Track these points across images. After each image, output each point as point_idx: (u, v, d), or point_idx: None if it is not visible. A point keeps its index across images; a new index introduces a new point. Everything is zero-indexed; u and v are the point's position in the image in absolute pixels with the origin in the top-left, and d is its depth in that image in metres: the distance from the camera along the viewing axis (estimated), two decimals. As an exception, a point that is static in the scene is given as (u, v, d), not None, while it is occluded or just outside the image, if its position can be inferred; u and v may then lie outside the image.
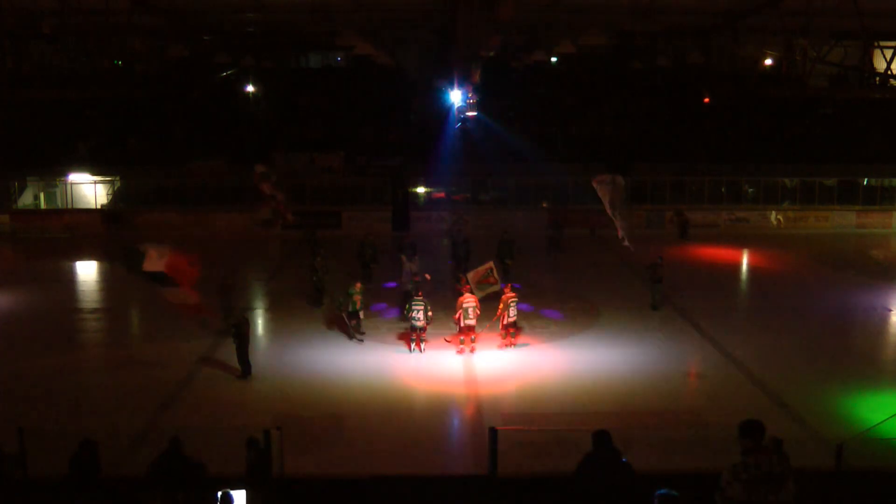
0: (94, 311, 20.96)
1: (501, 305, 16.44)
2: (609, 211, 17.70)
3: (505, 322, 16.51)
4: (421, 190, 34.08)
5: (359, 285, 17.52)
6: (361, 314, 17.42)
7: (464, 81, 29.42)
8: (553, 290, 22.10)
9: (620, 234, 17.94)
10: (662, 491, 5.99)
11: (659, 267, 19.84)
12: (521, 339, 17.20)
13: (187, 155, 33.80)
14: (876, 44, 32.35)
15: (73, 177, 33.00)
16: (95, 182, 33.20)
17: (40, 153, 33.49)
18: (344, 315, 17.32)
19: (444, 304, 19.04)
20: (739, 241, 30.10)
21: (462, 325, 16.22)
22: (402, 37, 38.54)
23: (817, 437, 12.11)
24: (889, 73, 32.18)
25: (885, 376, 15.94)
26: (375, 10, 30.54)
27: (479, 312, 16.34)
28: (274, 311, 19.96)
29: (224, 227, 31.02)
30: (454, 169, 32.85)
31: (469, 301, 16.22)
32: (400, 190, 32.00)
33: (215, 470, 8.97)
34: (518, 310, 16.73)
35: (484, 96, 33.65)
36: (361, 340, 17.19)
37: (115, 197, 33.80)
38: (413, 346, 16.42)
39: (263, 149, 34.56)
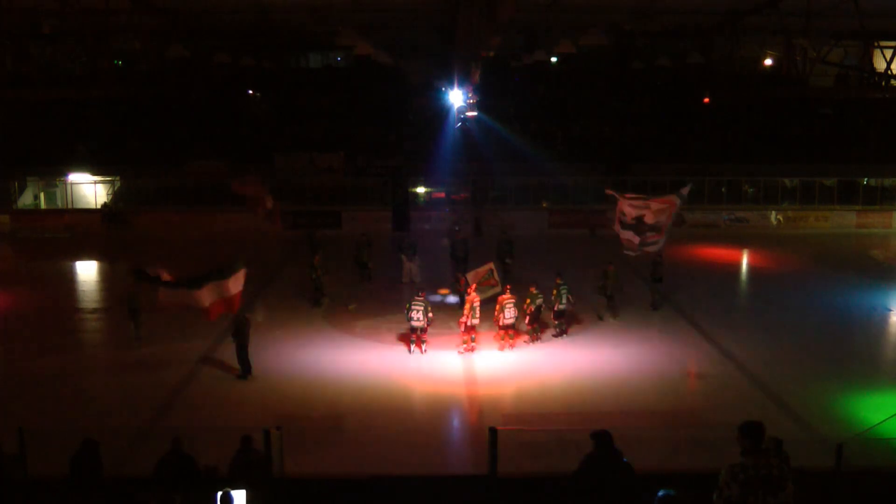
0: (94, 311, 20.96)
1: (498, 307, 16.44)
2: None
3: (502, 323, 16.51)
4: (421, 190, 34.09)
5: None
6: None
7: (464, 81, 29.40)
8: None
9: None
10: (662, 492, 5.99)
11: (659, 266, 19.83)
12: (520, 339, 17.17)
13: (187, 155, 33.80)
14: (876, 44, 32.32)
15: (73, 177, 33.03)
16: (95, 182, 33.23)
17: (40, 153, 33.49)
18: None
19: (445, 304, 19.10)
20: (739, 241, 30.11)
21: (468, 324, 16.23)
22: (402, 37, 38.52)
23: (817, 437, 12.11)
24: (889, 73, 32.14)
25: (885, 376, 15.95)
26: (375, 10, 30.49)
27: (479, 312, 16.39)
28: (274, 311, 19.95)
29: (224, 227, 31.01)
30: (454, 169, 32.88)
31: (477, 301, 16.30)
32: (400, 190, 32.02)
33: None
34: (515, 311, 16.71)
35: (484, 96, 33.64)
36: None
37: (115, 197, 33.81)
38: (413, 346, 16.41)
39: (263, 149, 34.59)
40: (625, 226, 17.43)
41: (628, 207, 17.31)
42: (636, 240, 17.24)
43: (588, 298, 19.32)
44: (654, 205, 17.07)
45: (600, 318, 18.89)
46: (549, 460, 11.09)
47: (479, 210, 31.75)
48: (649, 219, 16.93)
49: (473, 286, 16.87)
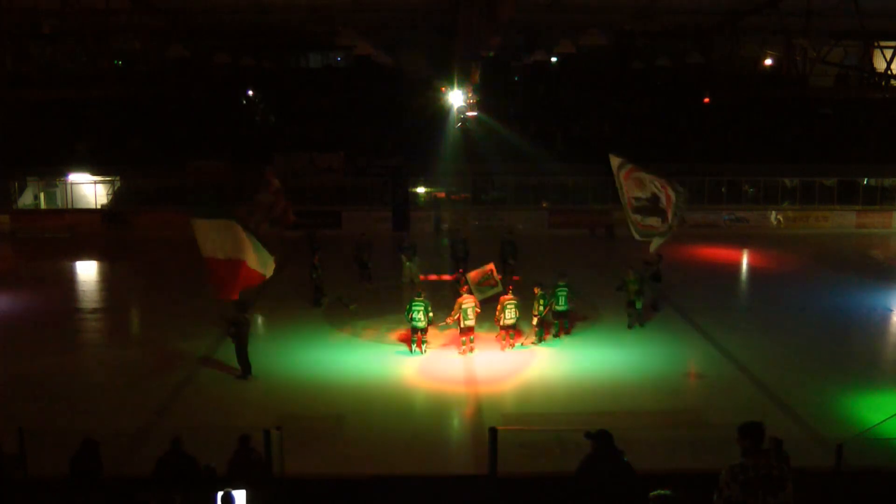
0: (94, 311, 20.96)
1: (499, 307, 16.43)
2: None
3: (503, 324, 16.49)
4: (421, 190, 34.10)
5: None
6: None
7: (464, 81, 29.46)
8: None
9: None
10: (656, 492, 5.99)
11: (657, 265, 19.79)
12: (521, 339, 17.14)
13: (187, 155, 33.80)
14: (876, 44, 32.33)
15: (73, 177, 33.02)
16: (95, 182, 33.23)
17: (40, 153, 33.49)
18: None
19: (445, 303, 19.06)
20: (739, 241, 30.11)
21: (462, 325, 16.21)
22: (402, 37, 38.56)
23: (817, 437, 12.11)
24: (889, 73, 32.14)
25: (885, 376, 15.93)
26: (375, 10, 30.53)
27: (479, 311, 16.34)
28: (274, 311, 19.95)
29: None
30: (454, 169, 32.89)
31: (468, 301, 16.19)
32: (400, 190, 32.04)
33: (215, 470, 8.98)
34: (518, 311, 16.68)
35: (484, 96, 33.69)
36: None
37: (115, 197, 33.82)
38: (413, 346, 16.41)
39: (263, 149, 34.60)
40: (640, 209, 15.82)
41: (634, 182, 15.85)
42: (659, 224, 15.39)
43: (589, 299, 19.32)
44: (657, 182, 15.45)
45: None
46: (549, 460, 11.10)
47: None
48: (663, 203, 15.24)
49: (465, 287, 16.83)
